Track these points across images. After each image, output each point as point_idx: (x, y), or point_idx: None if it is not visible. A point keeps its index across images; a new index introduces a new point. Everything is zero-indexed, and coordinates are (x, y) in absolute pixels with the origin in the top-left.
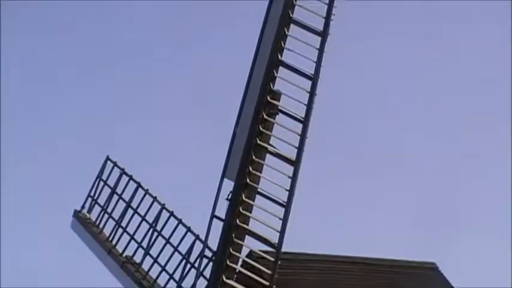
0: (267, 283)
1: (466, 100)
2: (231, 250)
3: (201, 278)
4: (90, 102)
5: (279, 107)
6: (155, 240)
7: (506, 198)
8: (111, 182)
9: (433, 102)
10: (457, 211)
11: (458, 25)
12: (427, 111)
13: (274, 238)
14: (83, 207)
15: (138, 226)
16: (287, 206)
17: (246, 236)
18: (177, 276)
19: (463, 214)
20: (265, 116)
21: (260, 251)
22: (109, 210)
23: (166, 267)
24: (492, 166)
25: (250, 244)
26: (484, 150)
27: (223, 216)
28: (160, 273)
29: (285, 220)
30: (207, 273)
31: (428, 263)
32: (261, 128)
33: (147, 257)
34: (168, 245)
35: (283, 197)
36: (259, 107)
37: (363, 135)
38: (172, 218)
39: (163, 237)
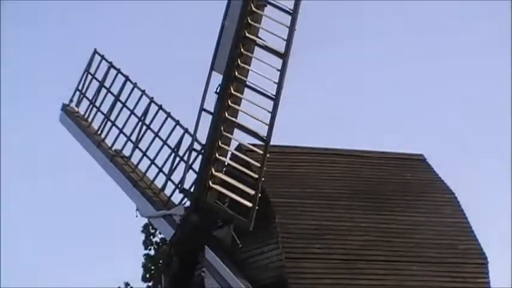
0: (256, 176)
1: None
2: (219, 143)
3: (190, 171)
4: None
5: None
6: (144, 133)
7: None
8: (99, 75)
9: None
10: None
11: None
12: None
13: (263, 131)
14: (71, 100)
15: (127, 120)
16: (276, 99)
17: (235, 129)
18: (166, 169)
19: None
20: (253, 8)
21: (249, 144)
22: (97, 104)
23: (156, 161)
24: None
25: (239, 137)
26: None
27: (212, 110)
28: (149, 166)
29: (273, 113)
30: (196, 166)
31: (417, 155)
32: (249, 21)
33: (136, 150)
34: (157, 138)
35: (272, 90)
36: None
37: (354, 27)
38: (161, 111)
39: (152, 130)
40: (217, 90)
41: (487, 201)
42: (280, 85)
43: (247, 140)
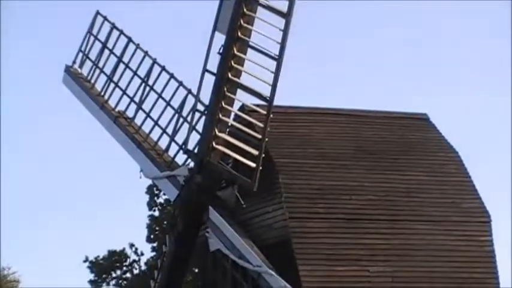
0: (259, 136)
1: None
2: (223, 104)
3: (194, 132)
4: None
5: None
6: (147, 95)
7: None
8: (102, 37)
9: None
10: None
11: None
12: None
13: (266, 92)
14: (74, 62)
15: (130, 81)
16: (279, 59)
17: (238, 90)
18: (169, 130)
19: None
20: None
21: (252, 104)
22: (100, 65)
23: (159, 122)
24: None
25: (242, 98)
26: None
27: (215, 70)
28: (153, 127)
29: (276, 73)
30: (200, 127)
31: (420, 114)
32: None
33: (140, 111)
34: (160, 99)
35: (274, 50)
36: None
37: None
38: (164, 72)
39: (155, 91)
40: (220, 51)
41: (490, 159)
42: (283, 45)
43: (251, 100)
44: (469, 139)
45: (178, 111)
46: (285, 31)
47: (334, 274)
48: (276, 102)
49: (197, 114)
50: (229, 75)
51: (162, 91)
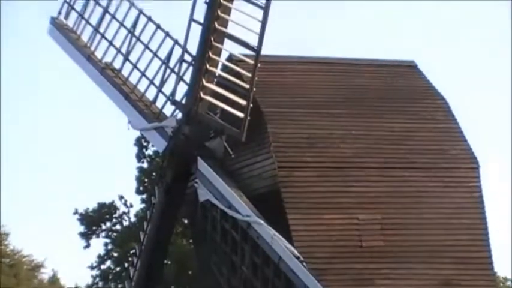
0: (247, 86)
1: None
2: (210, 54)
3: (181, 83)
4: None
5: None
6: (134, 46)
7: None
8: None
9: None
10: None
11: None
12: None
13: (253, 41)
14: (59, 13)
15: (116, 32)
16: (266, 7)
17: (225, 40)
18: (157, 81)
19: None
20: None
21: (240, 54)
22: (86, 16)
23: (146, 73)
24: None
25: (229, 48)
26: None
27: (201, 20)
28: (140, 79)
29: (264, 22)
30: (187, 77)
31: (407, 61)
32: None
33: (127, 63)
34: (147, 50)
35: None
36: None
37: None
38: (150, 23)
39: (142, 42)
40: (207, 1)
41: (479, 106)
42: None
43: (238, 50)
44: (457, 86)
45: (166, 62)
46: None
47: (323, 222)
48: (263, 52)
49: (184, 65)
50: (216, 25)
51: (149, 42)
